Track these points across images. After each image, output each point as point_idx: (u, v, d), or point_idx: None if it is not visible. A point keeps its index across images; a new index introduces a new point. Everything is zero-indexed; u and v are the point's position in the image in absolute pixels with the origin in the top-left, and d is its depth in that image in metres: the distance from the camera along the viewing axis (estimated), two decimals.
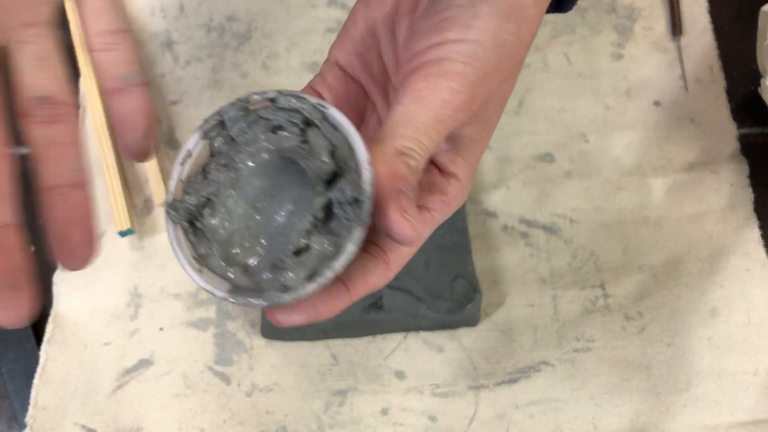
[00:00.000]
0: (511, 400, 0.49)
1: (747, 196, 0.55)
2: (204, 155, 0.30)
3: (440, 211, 0.34)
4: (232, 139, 0.30)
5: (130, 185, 0.56)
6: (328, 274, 0.28)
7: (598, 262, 0.53)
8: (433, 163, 0.34)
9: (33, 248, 0.55)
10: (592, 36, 0.62)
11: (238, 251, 0.30)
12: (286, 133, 0.30)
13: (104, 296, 0.53)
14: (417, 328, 0.51)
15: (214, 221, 0.30)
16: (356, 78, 0.37)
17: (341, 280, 0.31)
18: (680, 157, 0.57)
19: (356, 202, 0.28)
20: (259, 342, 0.51)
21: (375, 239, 0.32)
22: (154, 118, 0.35)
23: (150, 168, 0.56)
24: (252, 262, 0.30)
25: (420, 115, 0.30)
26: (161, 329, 0.52)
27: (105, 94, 0.34)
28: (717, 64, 0.60)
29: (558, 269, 0.53)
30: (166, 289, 0.53)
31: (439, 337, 0.51)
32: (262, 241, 0.30)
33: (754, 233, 0.54)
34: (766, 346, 0.50)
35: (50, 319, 0.52)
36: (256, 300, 0.28)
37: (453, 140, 0.33)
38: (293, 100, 0.29)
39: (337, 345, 0.51)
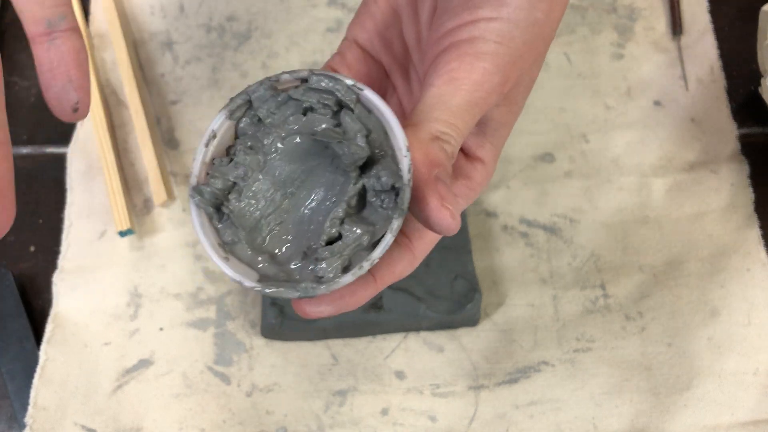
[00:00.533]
0: (511, 401, 0.49)
1: (747, 196, 0.55)
2: (229, 136, 0.29)
3: (465, 197, 0.33)
4: (260, 120, 0.29)
5: (130, 185, 0.56)
6: (365, 266, 0.26)
7: (599, 262, 0.53)
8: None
9: (32, 248, 0.55)
10: (593, 36, 0.62)
11: (266, 239, 0.28)
12: (317, 115, 0.28)
13: (104, 296, 0.53)
14: (417, 328, 0.51)
15: (240, 206, 0.28)
16: (377, 58, 0.35)
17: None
18: (680, 157, 0.57)
19: (393, 189, 0.27)
20: (259, 342, 0.51)
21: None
22: (87, 68, 0.31)
23: (150, 168, 0.56)
24: (280, 250, 0.28)
25: (454, 97, 0.29)
26: (161, 329, 0.52)
27: (30, 41, 0.30)
28: (717, 64, 0.60)
29: (558, 269, 0.53)
30: (166, 289, 0.53)
31: (440, 337, 0.51)
32: (291, 228, 0.29)
33: (755, 233, 0.54)
34: (767, 346, 0.50)
35: (50, 319, 0.51)
36: (290, 291, 0.26)
37: (481, 123, 0.32)
38: (326, 81, 0.27)
39: (337, 345, 0.51)
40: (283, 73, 0.28)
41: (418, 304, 0.50)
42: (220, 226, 0.28)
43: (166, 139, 0.58)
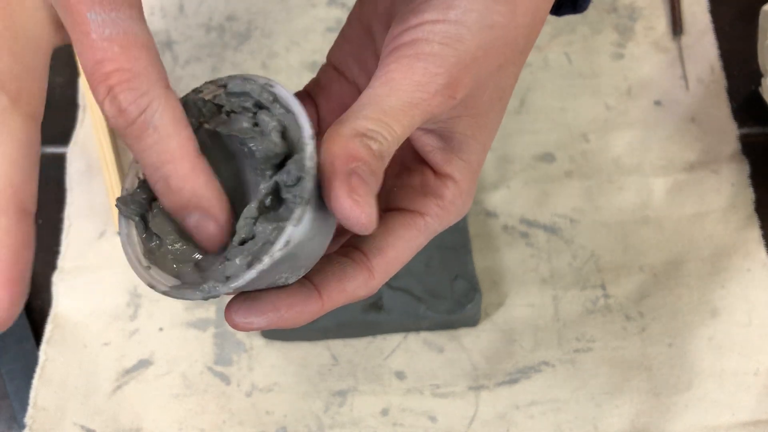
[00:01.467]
0: (512, 401, 0.49)
1: (748, 196, 0.55)
2: None
3: (436, 216, 0.31)
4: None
5: None
6: (266, 260, 0.25)
7: (599, 262, 0.53)
8: (426, 164, 0.32)
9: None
10: (593, 35, 0.62)
11: (186, 246, 0.28)
12: (238, 116, 0.28)
13: (103, 296, 0.53)
14: (417, 329, 0.51)
15: (163, 214, 0.28)
16: (352, 79, 0.35)
17: (313, 283, 0.29)
18: (681, 157, 0.57)
19: (299, 180, 0.26)
20: (259, 342, 0.51)
21: (357, 243, 0.30)
22: None
23: None
24: (199, 256, 0.28)
25: (389, 98, 0.27)
26: (161, 329, 0.52)
27: None
28: (718, 64, 0.60)
29: (558, 269, 0.53)
30: None
31: (440, 337, 0.51)
32: None
33: (755, 233, 0.54)
34: (767, 346, 0.50)
35: (49, 320, 0.51)
36: (194, 293, 0.26)
37: (446, 137, 0.31)
38: (241, 82, 0.28)
39: (337, 345, 0.51)
40: (206, 83, 0.28)
41: (418, 304, 0.49)
42: (144, 236, 0.28)
43: None
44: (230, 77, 0.28)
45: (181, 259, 0.28)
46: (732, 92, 0.59)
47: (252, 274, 0.25)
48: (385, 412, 0.49)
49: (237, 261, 0.26)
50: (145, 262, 0.28)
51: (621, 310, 0.52)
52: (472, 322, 0.51)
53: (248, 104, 0.28)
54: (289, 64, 0.61)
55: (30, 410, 0.49)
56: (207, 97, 0.28)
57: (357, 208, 0.25)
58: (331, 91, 0.35)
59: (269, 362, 0.51)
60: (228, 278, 0.26)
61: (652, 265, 0.53)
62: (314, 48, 0.61)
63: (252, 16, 0.63)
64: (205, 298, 0.26)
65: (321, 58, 0.61)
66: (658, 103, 0.59)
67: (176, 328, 0.52)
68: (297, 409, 0.49)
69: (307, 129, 0.26)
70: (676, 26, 0.61)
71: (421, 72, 0.28)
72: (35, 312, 0.53)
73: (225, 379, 0.50)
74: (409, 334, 0.51)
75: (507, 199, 0.55)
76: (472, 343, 0.51)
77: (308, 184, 0.25)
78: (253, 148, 0.27)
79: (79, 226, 0.55)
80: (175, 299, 0.28)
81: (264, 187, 0.27)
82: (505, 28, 0.29)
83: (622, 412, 0.49)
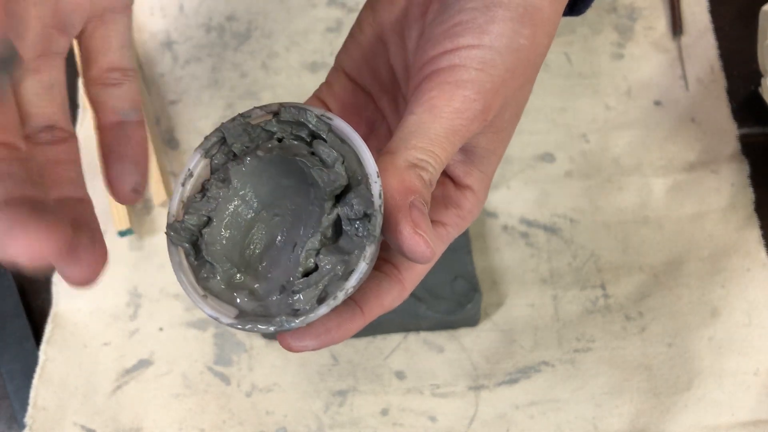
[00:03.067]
0: (512, 401, 0.49)
1: (748, 196, 0.55)
2: (205, 173, 0.29)
3: (455, 225, 0.32)
4: (235, 156, 0.29)
5: None
6: (339, 296, 0.26)
7: (599, 262, 0.53)
8: (447, 175, 0.33)
9: None
10: (593, 35, 0.62)
11: (242, 274, 0.28)
12: (294, 143, 0.28)
13: (104, 296, 0.53)
14: (417, 328, 0.51)
15: (213, 241, 0.28)
16: (364, 86, 0.35)
17: (354, 301, 0.30)
18: (681, 157, 0.57)
19: (366, 216, 0.27)
20: (259, 342, 0.51)
21: (389, 257, 0.31)
22: (148, 156, 0.33)
23: (149, 168, 0.56)
24: (258, 284, 0.28)
25: (433, 125, 0.29)
26: (161, 329, 0.52)
27: (101, 128, 0.32)
28: (718, 64, 0.60)
29: (558, 269, 0.53)
30: (166, 289, 0.53)
31: (440, 337, 0.51)
32: (266, 261, 0.28)
33: (755, 233, 0.54)
34: (767, 346, 0.50)
35: (50, 319, 0.51)
36: (264, 326, 0.26)
37: (468, 151, 0.32)
38: (296, 112, 0.28)
39: (337, 345, 0.51)
40: (255, 108, 0.29)
41: (418, 304, 0.49)
42: (196, 263, 0.28)
43: (166, 139, 0.58)
44: (282, 105, 0.28)
45: (236, 287, 0.28)
46: (732, 92, 0.59)
47: (325, 309, 0.26)
48: (385, 412, 0.49)
49: (306, 294, 0.26)
50: (201, 291, 0.27)
51: (621, 310, 0.52)
52: (472, 322, 0.51)
53: (303, 133, 0.28)
54: (289, 64, 0.61)
55: (30, 410, 0.49)
56: (254, 122, 0.28)
57: (422, 243, 0.27)
58: (345, 99, 0.35)
59: (269, 362, 0.51)
60: (297, 311, 0.26)
61: (652, 265, 0.53)
62: (314, 48, 0.61)
63: (252, 16, 0.63)
64: (277, 332, 0.27)
65: (321, 58, 0.62)
66: (657, 103, 0.59)
67: (176, 328, 0.52)
68: (297, 409, 0.49)
69: (372, 166, 0.27)
70: (676, 26, 0.61)
71: (460, 99, 0.29)
72: (35, 312, 0.53)
73: (225, 379, 0.50)
74: (409, 333, 0.51)
75: (507, 199, 0.55)
76: (472, 343, 0.51)
77: (378, 221, 0.26)
78: (317, 178, 0.27)
79: None
80: (244, 331, 0.27)
81: (326, 219, 0.27)
82: (528, 50, 0.30)
83: (622, 411, 0.49)
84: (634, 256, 0.53)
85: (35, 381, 0.50)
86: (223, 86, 0.60)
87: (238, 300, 0.27)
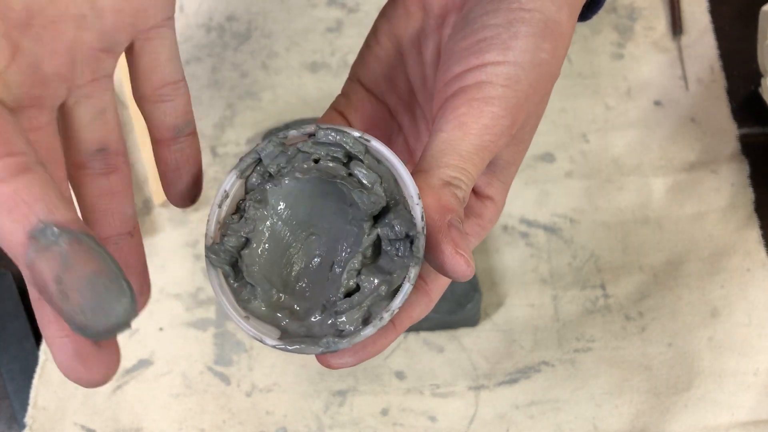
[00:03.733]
0: (512, 401, 0.49)
1: (747, 196, 0.55)
2: (240, 194, 0.29)
3: (476, 235, 0.33)
4: (271, 176, 0.29)
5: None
6: (386, 317, 0.26)
7: (599, 262, 0.53)
8: None
9: None
10: (593, 36, 0.62)
11: (282, 293, 0.28)
12: (330, 164, 0.28)
13: None
14: (417, 329, 0.51)
15: (253, 263, 0.28)
16: (381, 98, 0.36)
17: None
18: (681, 157, 0.57)
19: (407, 237, 0.27)
20: (259, 343, 0.51)
21: None
22: (201, 163, 0.34)
23: (149, 168, 0.56)
24: (299, 305, 0.28)
25: (463, 142, 0.29)
26: (161, 329, 0.52)
27: (156, 142, 0.32)
28: (717, 64, 0.60)
29: (558, 269, 0.53)
30: (166, 289, 0.53)
31: (440, 337, 0.51)
32: (306, 281, 0.29)
33: (755, 233, 0.54)
34: (767, 346, 0.50)
35: None
36: (312, 348, 0.26)
37: (491, 163, 0.32)
38: (333, 134, 0.28)
39: None
40: (290, 129, 0.29)
41: None
42: (236, 284, 0.28)
43: None
44: (318, 126, 0.28)
45: (277, 308, 0.28)
46: (732, 92, 0.59)
47: (371, 330, 0.26)
48: (384, 412, 0.49)
49: (350, 315, 0.27)
50: (243, 313, 0.28)
51: (621, 310, 0.52)
52: (472, 322, 0.51)
53: (339, 154, 0.28)
54: (289, 64, 0.61)
55: (30, 410, 0.49)
56: (290, 143, 0.29)
57: (464, 262, 0.27)
58: (364, 111, 0.36)
59: (269, 362, 0.51)
60: (342, 332, 0.27)
61: (652, 265, 0.53)
62: (314, 48, 0.61)
63: (252, 17, 0.63)
64: (323, 353, 0.27)
65: (321, 58, 0.62)
66: (657, 103, 0.59)
67: (176, 328, 0.52)
68: (297, 409, 0.49)
69: (413, 187, 0.27)
70: (676, 26, 0.61)
71: (489, 116, 0.29)
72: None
73: (225, 379, 0.50)
74: (409, 334, 0.51)
75: (507, 200, 0.55)
76: (472, 343, 0.51)
77: (422, 243, 0.26)
78: (357, 200, 0.28)
79: None
80: (291, 352, 0.27)
81: (367, 239, 0.27)
82: (549, 64, 0.30)
83: (622, 411, 0.49)
84: (634, 256, 0.53)
85: (35, 381, 0.50)
86: (223, 86, 0.60)
87: (280, 320, 0.28)
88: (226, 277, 0.28)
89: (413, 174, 0.28)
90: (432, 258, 0.28)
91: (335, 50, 0.61)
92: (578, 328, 0.51)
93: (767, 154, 0.57)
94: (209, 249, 0.28)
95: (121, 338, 0.51)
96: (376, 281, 0.27)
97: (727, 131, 0.57)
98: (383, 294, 0.27)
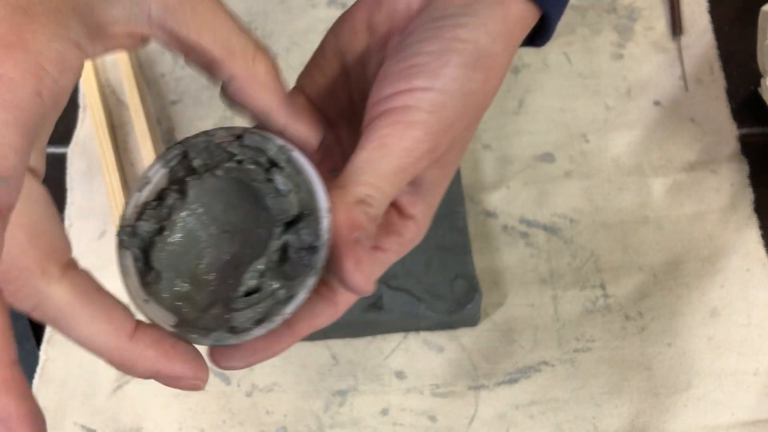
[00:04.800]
0: (512, 400, 0.49)
1: (747, 196, 0.55)
2: (163, 184, 0.29)
3: (395, 252, 0.33)
4: (194, 170, 0.29)
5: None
6: (277, 320, 0.27)
7: (598, 262, 0.53)
8: (393, 204, 0.34)
9: None
10: (592, 36, 0.62)
11: (187, 283, 0.28)
12: (251, 167, 0.29)
13: None
14: (417, 328, 0.51)
15: (164, 250, 0.28)
16: (323, 109, 0.36)
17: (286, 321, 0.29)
18: (680, 157, 0.57)
19: (312, 248, 0.27)
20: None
21: (326, 279, 0.31)
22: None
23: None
24: (200, 296, 0.28)
25: (382, 162, 0.30)
26: None
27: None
28: (717, 64, 0.60)
29: (558, 269, 0.53)
30: None
31: (439, 337, 0.51)
32: (212, 275, 0.29)
33: (755, 233, 0.54)
34: (767, 346, 0.50)
35: None
36: (202, 339, 0.27)
37: (414, 183, 0.33)
38: (259, 139, 0.29)
39: (337, 345, 0.51)
40: (220, 128, 0.29)
41: (418, 304, 0.50)
42: (143, 268, 0.28)
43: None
44: (246, 130, 0.29)
45: (179, 297, 0.28)
46: (731, 92, 0.59)
47: (261, 331, 0.27)
48: (385, 412, 0.49)
49: (245, 314, 0.27)
50: (144, 296, 0.27)
51: (620, 310, 0.52)
52: (472, 322, 0.51)
53: (262, 159, 0.29)
54: (290, 64, 0.61)
55: None
56: (217, 140, 0.29)
57: (362, 279, 0.27)
58: None
59: (269, 362, 0.50)
60: (234, 328, 0.27)
61: (652, 265, 0.53)
62: (314, 48, 0.61)
63: (252, 17, 0.63)
64: (212, 346, 0.27)
65: None
66: (657, 103, 0.59)
67: None
68: (297, 409, 0.49)
69: (324, 201, 0.28)
70: (676, 26, 0.61)
71: (410, 139, 0.30)
72: None
73: (225, 378, 0.50)
74: (409, 333, 0.51)
75: (507, 200, 0.55)
76: (471, 343, 0.51)
77: (323, 254, 0.27)
78: (269, 205, 0.28)
79: (79, 227, 0.55)
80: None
81: (273, 243, 0.28)
82: (478, 94, 0.31)
83: (622, 411, 0.49)
84: (633, 256, 0.53)
85: (36, 381, 0.50)
86: None
87: (181, 308, 0.28)
88: (135, 260, 0.28)
89: (331, 189, 0.28)
90: (335, 271, 0.28)
91: None
92: (578, 328, 0.51)
93: (767, 154, 0.57)
94: (122, 230, 0.28)
95: None
96: (276, 285, 0.27)
97: (727, 131, 0.58)
98: (281, 298, 0.27)
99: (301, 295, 0.27)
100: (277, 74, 0.32)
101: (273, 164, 0.29)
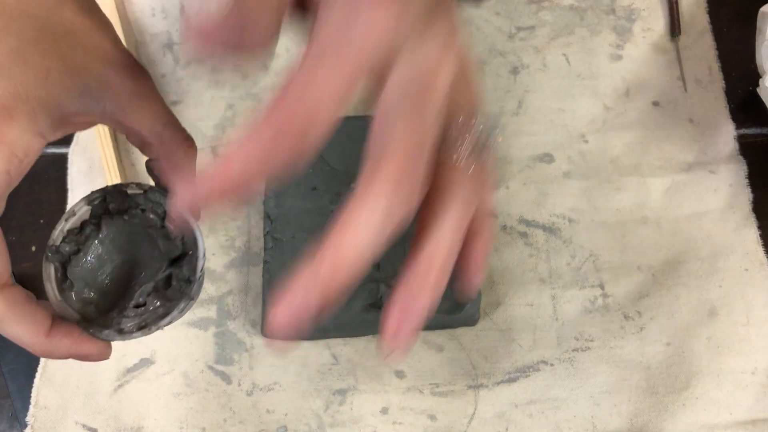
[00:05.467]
0: (511, 400, 0.49)
1: (746, 196, 0.55)
2: (85, 217, 0.38)
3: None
4: (109, 211, 0.38)
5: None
6: (154, 329, 0.36)
7: (597, 261, 0.54)
8: None
9: (34, 248, 0.55)
10: (591, 37, 0.62)
11: (93, 292, 0.37)
12: (151, 216, 0.37)
13: None
14: None
15: (77, 265, 0.37)
16: None
17: None
18: (679, 158, 0.57)
19: (188, 281, 0.36)
20: (260, 341, 0.52)
21: None
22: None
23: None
24: (101, 303, 0.37)
25: None
26: (162, 328, 0.52)
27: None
28: (716, 65, 0.60)
29: (557, 269, 0.53)
30: None
31: (439, 336, 0.51)
32: (112, 290, 0.37)
33: (753, 233, 0.54)
34: (765, 345, 0.51)
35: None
36: (98, 333, 0.35)
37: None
38: (159, 196, 0.37)
39: (337, 344, 0.51)
40: (132, 183, 0.38)
41: None
42: (61, 277, 0.36)
43: None
44: (151, 188, 0.38)
45: (85, 301, 0.37)
46: (730, 93, 0.59)
47: (140, 335, 0.36)
48: (385, 411, 0.49)
49: (131, 320, 0.36)
50: (59, 297, 0.36)
51: (619, 310, 0.52)
52: (472, 321, 0.51)
53: (159, 211, 0.37)
54: (290, 65, 0.61)
55: (32, 409, 0.49)
56: (129, 192, 0.37)
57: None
58: None
59: (270, 361, 0.51)
60: (122, 330, 0.36)
61: (651, 264, 0.53)
62: None
63: None
64: (105, 340, 0.36)
65: None
66: (656, 103, 0.59)
67: (177, 327, 0.52)
68: (297, 408, 0.49)
69: (202, 248, 0.36)
70: (675, 27, 0.61)
71: None
72: None
73: (226, 378, 0.51)
74: None
75: (506, 200, 0.56)
76: (471, 342, 0.51)
77: (196, 287, 0.36)
78: (160, 245, 0.37)
79: None
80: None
81: (161, 273, 0.37)
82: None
83: (621, 411, 0.49)
84: (632, 256, 0.54)
85: (37, 380, 0.50)
86: (224, 87, 0.60)
87: (87, 310, 0.36)
88: (55, 271, 0.36)
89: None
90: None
91: None
92: (577, 328, 0.51)
93: (765, 154, 0.57)
94: (49, 249, 0.36)
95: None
96: (158, 303, 0.36)
97: (726, 132, 0.58)
98: (159, 314, 0.36)
99: (175, 314, 0.36)
100: (192, 161, 0.38)
101: (166, 216, 0.37)
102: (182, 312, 0.36)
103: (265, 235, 0.52)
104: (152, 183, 0.38)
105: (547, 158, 0.57)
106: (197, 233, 0.37)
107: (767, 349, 0.50)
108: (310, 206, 0.53)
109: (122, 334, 0.36)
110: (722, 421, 0.48)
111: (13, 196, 0.58)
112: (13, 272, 0.53)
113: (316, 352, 0.51)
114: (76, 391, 0.50)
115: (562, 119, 0.59)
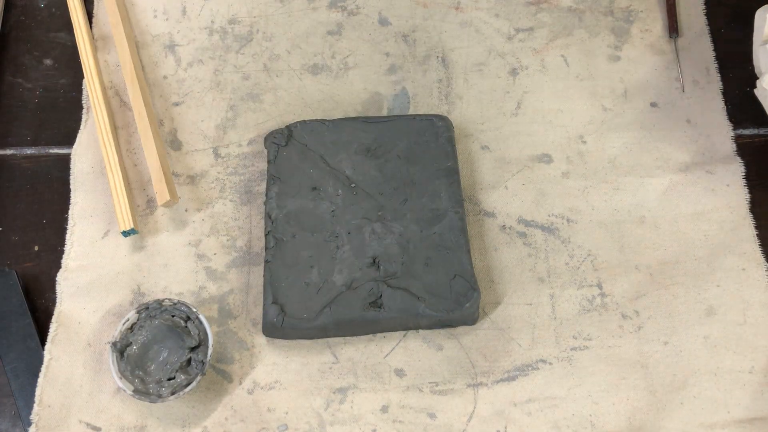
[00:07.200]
0: (510, 398, 0.50)
1: (743, 196, 0.56)
2: (134, 320, 0.51)
3: None
4: (150, 316, 0.52)
5: (133, 186, 0.57)
6: (181, 394, 0.49)
7: (595, 261, 0.54)
8: None
9: (36, 248, 0.55)
10: (590, 38, 0.62)
11: (140, 371, 0.50)
12: (177, 319, 0.52)
13: (107, 295, 0.53)
14: (416, 327, 0.52)
15: (131, 353, 0.51)
16: None
17: None
18: (677, 158, 0.57)
19: (202, 362, 0.50)
20: (261, 341, 0.52)
21: None
22: None
23: (153, 168, 0.56)
24: (147, 378, 0.50)
25: None
26: None
27: None
28: (713, 66, 0.61)
29: (555, 268, 0.54)
30: (169, 288, 0.53)
31: (439, 335, 0.52)
32: (153, 367, 0.50)
33: (750, 233, 0.54)
34: (762, 344, 0.51)
35: (54, 318, 0.52)
36: (144, 399, 0.49)
37: None
38: (183, 307, 0.51)
39: (338, 344, 0.52)
40: (165, 299, 0.52)
41: (417, 303, 0.50)
42: (120, 360, 0.50)
43: (169, 140, 0.59)
44: (180, 301, 0.52)
45: (135, 376, 0.50)
46: (727, 94, 0.60)
47: (172, 399, 0.49)
48: (384, 409, 0.50)
49: (166, 389, 0.49)
50: (120, 375, 0.50)
51: (617, 309, 0.52)
52: (471, 320, 0.51)
53: (183, 316, 0.51)
54: (291, 66, 0.61)
55: (36, 408, 0.49)
56: (164, 303, 0.52)
57: None
58: None
59: (271, 360, 0.51)
60: (161, 395, 0.49)
61: (648, 264, 0.54)
62: (315, 51, 0.62)
63: (254, 19, 0.63)
64: (151, 402, 0.49)
65: (322, 61, 0.62)
66: (653, 104, 0.59)
67: None
68: (298, 406, 0.50)
69: (211, 340, 0.50)
70: (672, 29, 0.62)
71: None
72: (39, 311, 0.53)
73: (227, 376, 0.51)
74: (409, 332, 0.52)
75: (505, 200, 0.56)
76: (470, 341, 0.51)
77: (206, 367, 0.50)
78: (184, 338, 0.51)
79: (83, 226, 0.55)
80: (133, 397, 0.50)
81: (184, 356, 0.50)
82: None
83: (619, 409, 0.49)
84: (630, 256, 0.54)
85: (40, 379, 0.50)
86: (225, 88, 0.60)
87: (137, 383, 0.50)
88: (116, 356, 0.50)
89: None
90: None
91: (336, 53, 0.62)
92: (575, 327, 0.52)
93: (762, 154, 0.58)
94: (112, 344, 0.50)
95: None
96: (182, 377, 0.50)
97: (723, 132, 0.58)
98: (183, 384, 0.50)
99: (193, 384, 0.49)
100: None
101: (188, 318, 0.51)
102: (198, 382, 0.50)
103: (266, 235, 0.53)
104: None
105: (546, 159, 0.57)
106: (208, 331, 0.50)
107: (765, 348, 0.51)
108: (311, 206, 0.53)
109: (161, 398, 0.49)
110: (720, 419, 0.49)
111: (16, 197, 0.58)
112: (16, 271, 0.53)
113: (316, 351, 0.51)
114: (79, 390, 0.50)
115: (561, 120, 0.59)
